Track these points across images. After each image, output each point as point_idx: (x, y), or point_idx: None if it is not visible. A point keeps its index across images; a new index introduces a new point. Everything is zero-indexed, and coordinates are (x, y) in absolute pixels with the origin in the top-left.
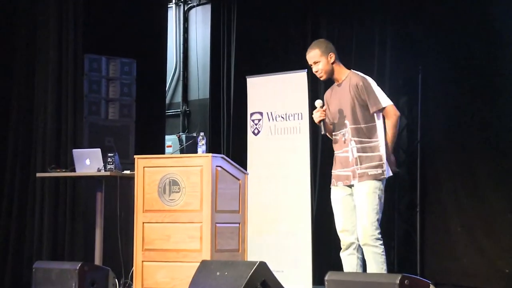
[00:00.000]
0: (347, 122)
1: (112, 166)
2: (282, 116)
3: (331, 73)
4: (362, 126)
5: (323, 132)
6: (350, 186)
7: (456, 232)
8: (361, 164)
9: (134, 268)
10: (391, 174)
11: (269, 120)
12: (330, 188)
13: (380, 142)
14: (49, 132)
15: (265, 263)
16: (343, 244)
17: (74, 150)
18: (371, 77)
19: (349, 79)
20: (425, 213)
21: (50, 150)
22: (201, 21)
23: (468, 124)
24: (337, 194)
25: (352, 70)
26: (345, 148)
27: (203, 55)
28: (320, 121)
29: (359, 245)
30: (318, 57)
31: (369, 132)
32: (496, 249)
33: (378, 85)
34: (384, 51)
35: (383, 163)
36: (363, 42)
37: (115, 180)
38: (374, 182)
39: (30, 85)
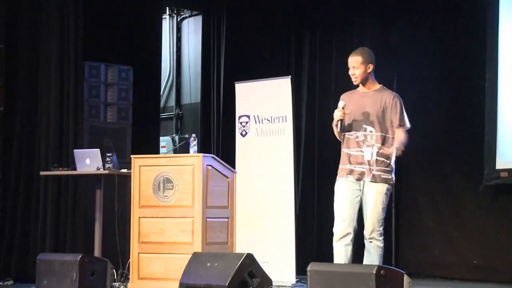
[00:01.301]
0: (369, 127)
1: (110, 165)
2: (268, 119)
3: (365, 80)
4: (386, 135)
5: (338, 130)
6: (363, 181)
7: (429, 227)
8: (376, 166)
9: (130, 259)
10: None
11: (255, 122)
12: (311, 186)
13: (392, 153)
14: (52, 134)
15: (252, 255)
16: (340, 233)
17: (75, 150)
18: (349, 83)
19: (380, 92)
20: (400, 209)
21: (53, 150)
22: (193, 31)
23: (440, 126)
24: (345, 186)
25: (382, 85)
26: (359, 148)
27: (195, 62)
28: (338, 120)
29: (353, 237)
30: (358, 64)
31: (388, 142)
32: (465, 242)
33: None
34: None
35: (393, 170)
36: (343, 49)
37: (113, 178)
38: (386, 185)
39: (34, 90)
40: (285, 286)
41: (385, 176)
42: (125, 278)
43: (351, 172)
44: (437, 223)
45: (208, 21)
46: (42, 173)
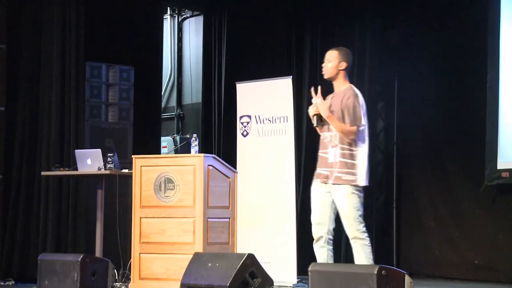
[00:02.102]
0: (333, 127)
1: (111, 165)
2: (269, 119)
3: (333, 77)
4: None
5: (315, 125)
6: (329, 184)
7: (429, 227)
8: (339, 168)
9: (132, 259)
10: (367, 184)
11: (257, 122)
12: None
13: (359, 152)
14: (53, 134)
15: (253, 255)
16: (315, 236)
17: (76, 151)
18: (350, 83)
19: (345, 92)
20: (401, 209)
21: (54, 151)
22: (194, 32)
23: (440, 126)
24: (316, 189)
25: (352, 85)
26: (326, 150)
27: (196, 62)
28: (313, 115)
29: (329, 239)
30: (333, 58)
31: (353, 142)
32: (466, 242)
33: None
34: (363, 58)
35: (357, 171)
36: None
37: (115, 178)
38: (349, 186)
39: (35, 90)
40: (286, 286)
41: (347, 178)
42: (126, 278)
43: (318, 175)
44: (438, 223)
45: (209, 21)
46: (43, 173)
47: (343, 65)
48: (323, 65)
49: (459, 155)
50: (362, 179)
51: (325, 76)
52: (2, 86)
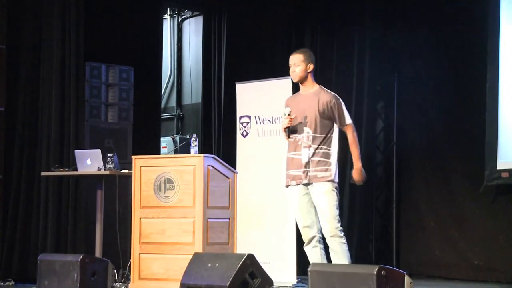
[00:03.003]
0: (307, 129)
1: (111, 166)
2: (269, 119)
3: (303, 79)
4: (321, 135)
5: (287, 138)
6: (305, 184)
7: (429, 227)
8: (313, 167)
9: (131, 260)
10: (337, 180)
11: (256, 123)
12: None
13: (333, 151)
14: (53, 134)
15: (253, 255)
16: (305, 238)
17: (76, 151)
18: (350, 83)
19: (317, 94)
20: (401, 209)
21: (54, 151)
22: (193, 32)
23: (440, 127)
24: (293, 193)
25: (321, 86)
26: (299, 151)
27: (196, 63)
28: (285, 128)
29: (320, 238)
30: (299, 61)
31: (326, 142)
32: (466, 242)
33: (357, 90)
34: (363, 59)
35: (331, 168)
36: (343, 51)
37: (114, 178)
38: (327, 183)
39: (35, 90)
40: (286, 286)
41: (322, 175)
42: (126, 278)
43: (293, 177)
44: (437, 224)
45: (209, 21)
46: (43, 173)
47: (311, 67)
48: (290, 70)
49: (459, 155)
50: (335, 175)
51: (295, 80)
52: (2, 86)
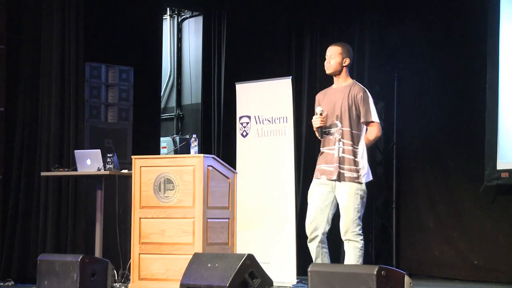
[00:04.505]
0: (338, 123)
1: (111, 166)
2: (269, 119)
3: (337, 73)
4: (353, 131)
5: (320, 137)
6: (333, 181)
7: (429, 227)
8: (343, 165)
9: (131, 260)
10: (370, 178)
11: (256, 123)
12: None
13: (360, 150)
14: (53, 134)
15: (252, 255)
16: (309, 234)
17: (76, 151)
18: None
19: (349, 87)
20: (400, 209)
21: (54, 151)
22: (193, 32)
23: (440, 127)
24: (317, 188)
25: (354, 80)
26: (332, 146)
27: (195, 63)
28: (318, 127)
29: (324, 238)
30: (336, 54)
31: (356, 139)
32: (466, 242)
33: None
34: (362, 59)
35: (360, 168)
36: None
37: (114, 178)
38: (354, 184)
39: (35, 90)
40: (286, 286)
41: (350, 175)
42: (125, 278)
43: (323, 172)
44: (437, 224)
45: (209, 21)
46: (43, 173)
47: (347, 61)
48: (326, 61)
49: (459, 155)
50: (364, 176)
51: (328, 72)
52: (2, 86)
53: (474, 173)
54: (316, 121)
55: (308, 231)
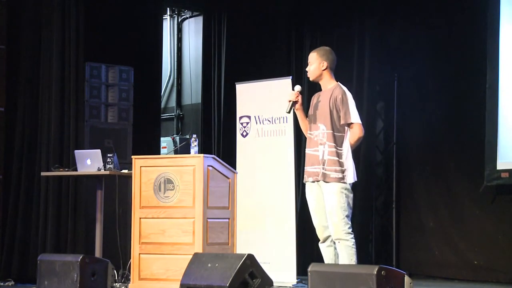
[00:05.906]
0: (322, 126)
1: (111, 166)
2: (269, 119)
3: (318, 77)
4: (335, 133)
5: (287, 111)
6: (319, 182)
7: (429, 227)
8: (328, 166)
9: (131, 260)
10: (355, 179)
11: (256, 123)
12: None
13: (344, 151)
14: (53, 134)
15: (252, 255)
16: (320, 237)
17: (76, 151)
18: (350, 83)
19: (331, 90)
20: (400, 210)
21: (54, 151)
22: (193, 32)
23: (440, 127)
24: (311, 191)
25: (339, 82)
26: (316, 147)
27: (196, 63)
28: (290, 101)
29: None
30: (313, 59)
31: (339, 140)
32: (466, 242)
33: (357, 91)
34: (362, 59)
35: (344, 169)
36: (343, 51)
37: (114, 178)
38: (339, 184)
39: (35, 90)
40: (286, 286)
41: (335, 175)
42: (126, 278)
43: (309, 174)
44: (437, 224)
45: (209, 21)
46: (43, 173)
47: (325, 64)
48: (307, 68)
49: (459, 155)
50: (350, 176)
51: (311, 79)
52: (2, 86)
53: (474, 173)
54: (291, 95)
55: (319, 233)
